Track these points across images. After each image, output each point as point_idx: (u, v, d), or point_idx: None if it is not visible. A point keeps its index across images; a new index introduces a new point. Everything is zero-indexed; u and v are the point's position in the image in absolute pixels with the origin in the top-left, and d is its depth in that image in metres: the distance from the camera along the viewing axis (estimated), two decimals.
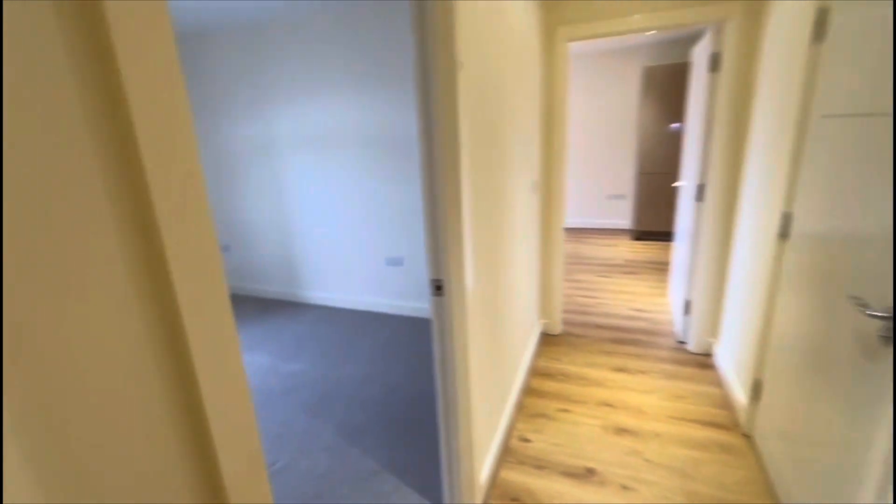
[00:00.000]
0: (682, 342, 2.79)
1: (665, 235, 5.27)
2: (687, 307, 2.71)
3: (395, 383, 2.52)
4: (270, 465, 1.93)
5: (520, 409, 2.23)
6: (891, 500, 0.97)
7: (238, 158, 3.63)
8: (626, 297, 3.58)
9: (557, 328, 3.00)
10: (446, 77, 1.16)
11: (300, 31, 3.06)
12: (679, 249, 3.07)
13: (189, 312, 0.51)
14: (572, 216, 6.19)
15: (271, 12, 2.99)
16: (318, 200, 3.46)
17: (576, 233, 5.91)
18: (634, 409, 2.18)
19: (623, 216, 5.95)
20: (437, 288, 1.31)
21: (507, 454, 1.92)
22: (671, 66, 4.82)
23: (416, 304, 3.38)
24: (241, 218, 3.82)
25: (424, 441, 2.03)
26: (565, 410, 2.20)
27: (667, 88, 4.89)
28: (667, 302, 3.45)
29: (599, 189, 5.97)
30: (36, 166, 0.38)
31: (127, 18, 0.42)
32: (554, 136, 2.67)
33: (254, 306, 3.77)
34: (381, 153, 3.12)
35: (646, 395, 2.28)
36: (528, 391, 2.37)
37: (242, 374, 0.62)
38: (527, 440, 2.00)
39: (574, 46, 5.19)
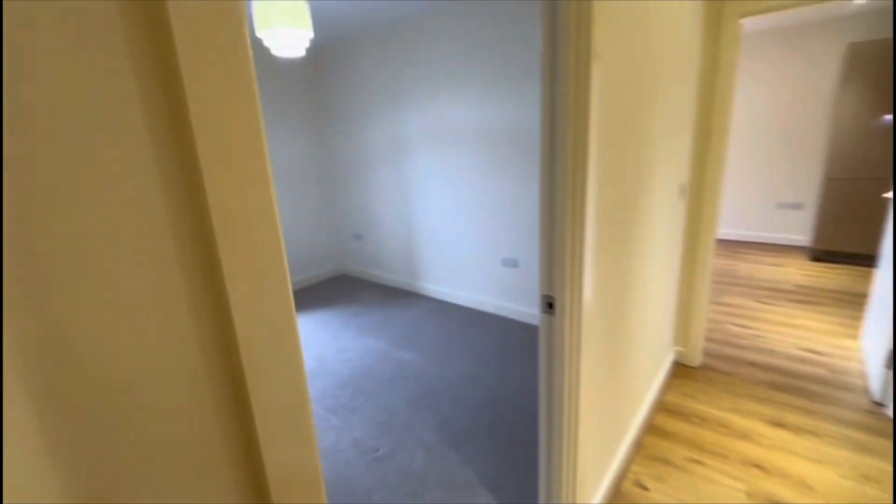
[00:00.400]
0: (879, 404, 2.12)
1: (859, 258, 4.14)
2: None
3: (503, 390, 2.43)
4: (373, 451, 2.01)
5: (638, 448, 1.93)
6: None
7: (373, 155, 3.89)
8: (795, 333, 2.88)
9: (696, 359, 2.55)
10: (577, 68, 1.01)
11: (431, 31, 3.11)
12: (885, 279, 2.34)
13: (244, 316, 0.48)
14: (728, 226, 5.28)
15: (406, 13, 3.10)
16: (439, 196, 3.52)
17: (731, 246, 5.01)
18: (796, 480, 1.72)
19: (798, 230, 4.85)
20: (549, 306, 1.16)
21: (617, 496, 1.68)
22: (885, 42, 3.71)
23: (532, 309, 3.22)
24: (372, 210, 4.10)
25: (527, 461, 1.90)
26: (697, 461, 1.84)
27: (878, 71, 3.79)
28: (858, 347, 2.68)
29: (768, 196, 4.96)
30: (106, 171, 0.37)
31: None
32: (713, 133, 2.24)
33: (377, 292, 4.03)
34: (505, 151, 3.02)
35: (816, 466, 1.78)
36: (650, 429, 2.05)
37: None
38: (644, 487, 1.72)
39: (745, 23, 4.36)
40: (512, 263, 3.21)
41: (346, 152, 4.11)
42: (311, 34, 2.22)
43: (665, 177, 1.85)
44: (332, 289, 4.18)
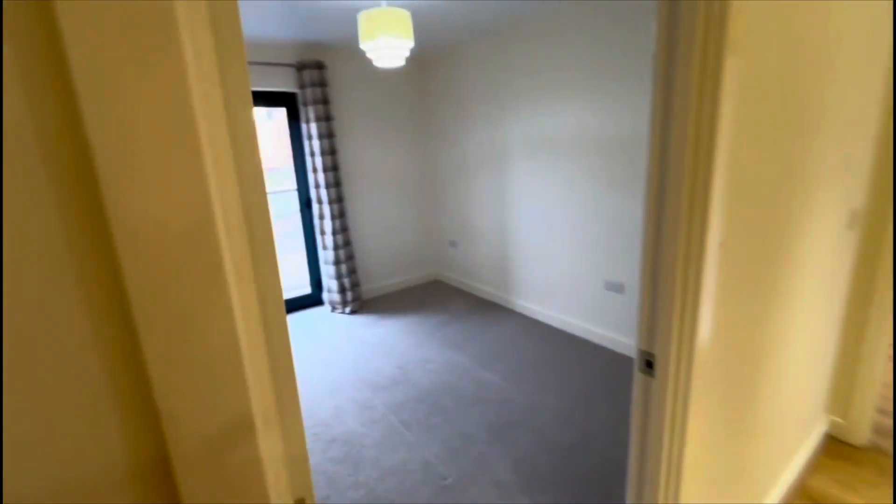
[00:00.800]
0: None
1: None
2: None
3: (595, 435, 2.14)
4: (442, 479, 1.90)
5: None
6: None
7: (472, 162, 3.81)
8: None
9: (860, 435, 1.96)
10: (703, 67, 0.77)
11: (533, 35, 2.91)
12: None
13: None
14: None
15: (509, 17, 2.94)
16: (538, 208, 3.29)
17: None
18: None
19: None
20: (647, 364, 0.92)
21: None
22: None
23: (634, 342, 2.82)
24: (468, 218, 4.03)
25: None
26: None
27: None
28: None
29: None
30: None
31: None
32: None
33: (467, 303, 3.94)
34: (615, 162, 2.69)
35: None
36: None
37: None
38: None
39: None
40: (616, 288, 2.85)
41: (447, 159, 4.11)
42: (411, 43, 2.20)
43: (828, 199, 1.42)
44: (424, 294, 4.21)
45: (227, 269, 0.40)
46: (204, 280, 0.38)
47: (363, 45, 2.16)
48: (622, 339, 2.89)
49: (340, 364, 2.95)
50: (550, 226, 3.23)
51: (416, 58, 3.96)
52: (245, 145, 0.44)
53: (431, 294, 4.21)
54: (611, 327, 2.96)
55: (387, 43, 2.13)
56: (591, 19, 2.62)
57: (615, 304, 2.89)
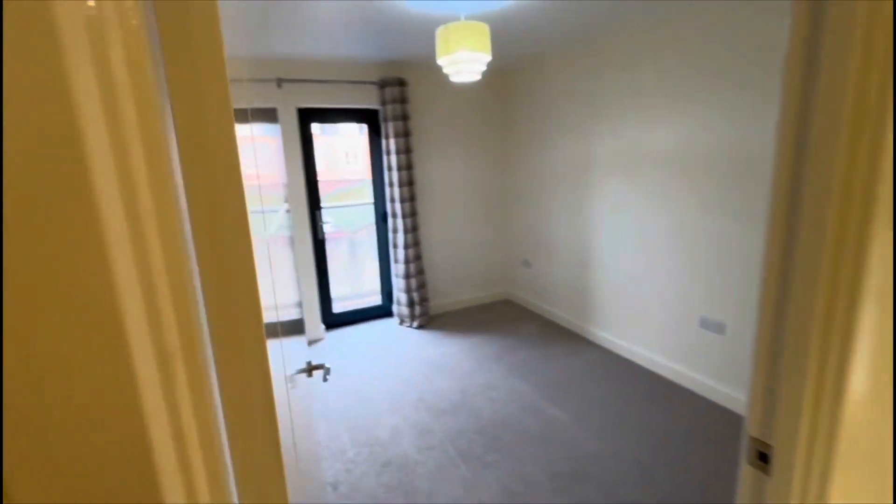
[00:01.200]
0: None
1: None
2: None
3: (677, 496, 1.82)
4: None
5: None
6: None
7: (552, 179, 3.60)
8: None
9: None
10: (865, 62, 0.55)
11: (624, 44, 2.65)
12: None
13: None
14: None
15: (605, 23, 2.72)
16: (624, 229, 2.99)
17: None
18: None
19: None
20: (760, 457, 0.70)
21: None
22: None
23: (736, 392, 2.40)
24: (544, 237, 3.81)
25: None
26: None
27: None
28: None
29: None
30: None
31: None
32: None
33: (539, 327, 3.70)
34: (716, 182, 2.33)
35: None
36: None
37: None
38: None
39: None
40: (715, 327, 2.46)
41: (525, 174, 3.94)
42: (488, 57, 2.11)
43: None
44: (494, 314, 4.04)
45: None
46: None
47: (440, 61, 2.12)
48: (720, 386, 2.48)
49: (403, 381, 2.90)
50: (638, 250, 2.91)
51: (496, 69, 3.88)
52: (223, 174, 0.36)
53: (501, 314, 4.04)
54: (706, 372, 2.56)
55: (464, 57, 2.06)
56: (702, 20, 2.33)
57: (713, 346, 2.50)
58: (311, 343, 3.55)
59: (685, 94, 2.45)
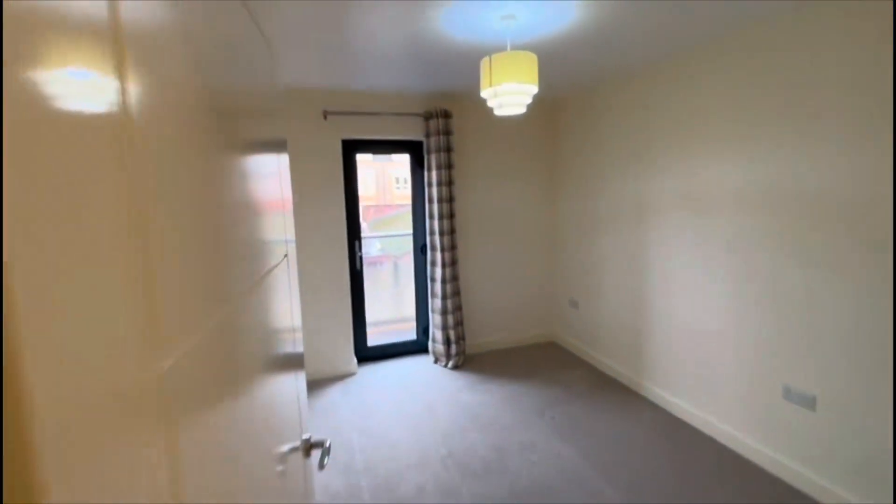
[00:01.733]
0: None
1: None
2: None
3: None
4: None
5: None
6: None
7: (605, 216, 3.33)
8: None
9: None
10: None
11: (687, 72, 2.39)
12: None
13: None
14: None
15: (658, 54, 2.48)
16: (687, 276, 2.65)
17: None
18: None
19: None
20: None
21: None
22: None
23: (823, 479, 1.97)
24: (595, 277, 3.50)
25: None
26: None
27: None
28: None
29: None
30: None
31: None
32: None
33: (587, 377, 3.36)
34: (801, 228, 1.99)
35: None
36: None
37: None
38: None
39: None
40: (804, 401, 2.06)
41: (575, 209, 3.69)
42: (535, 89, 1.95)
43: None
44: (537, 358, 3.74)
45: None
46: None
47: (484, 93, 1.98)
48: (807, 471, 2.05)
49: (432, 429, 2.68)
50: (704, 300, 2.56)
51: (544, 99, 3.72)
52: None
53: (545, 359, 3.73)
54: (790, 452, 2.13)
55: (508, 89, 1.91)
56: (780, 41, 2.05)
57: (800, 422, 2.08)
58: (342, 378, 3.43)
59: (753, 128, 2.14)
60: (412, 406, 2.98)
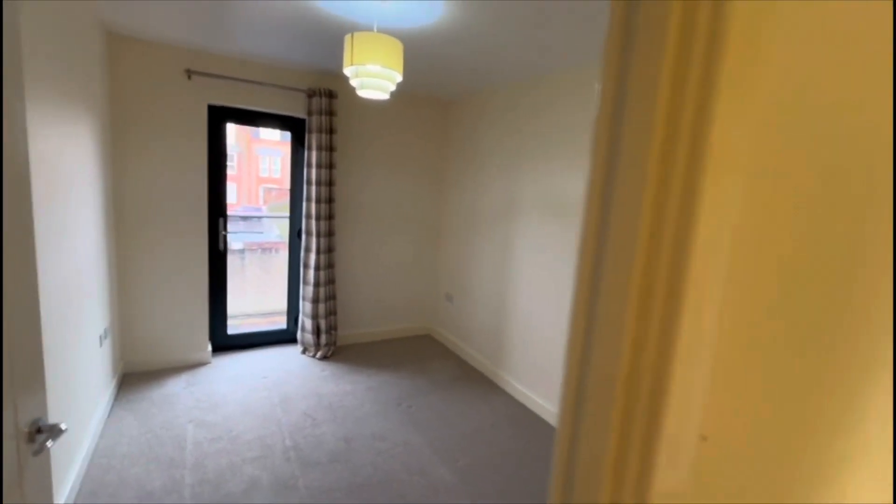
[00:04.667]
0: None
1: None
2: None
3: None
4: None
5: None
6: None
7: (481, 213, 3.47)
8: None
9: None
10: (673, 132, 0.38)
11: (552, 91, 2.61)
12: None
13: None
14: None
15: (532, 72, 2.66)
16: (540, 276, 2.86)
17: None
18: None
19: None
20: None
21: None
22: None
23: None
24: (468, 273, 3.63)
25: None
26: None
27: None
28: None
29: None
30: None
31: None
32: None
33: (452, 369, 3.46)
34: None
35: None
36: None
37: None
38: None
39: None
40: None
41: (458, 206, 3.79)
42: (399, 76, 1.94)
43: None
44: (411, 350, 3.77)
45: None
46: None
47: (346, 70, 1.91)
48: None
49: (282, 421, 2.54)
50: (549, 299, 2.78)
51: (436, 97, 3.77)
52: None
53: (417, 351, 3.77)
54: None
55: (371, 71, 1.87)
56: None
57: None
58: (191, 368, 3.11)
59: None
60: (265, 397, 2.81)
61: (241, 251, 7.23)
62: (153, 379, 2.91)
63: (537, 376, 2.90)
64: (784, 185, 0.45)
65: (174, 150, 2.91)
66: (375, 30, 2.03)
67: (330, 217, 3.37)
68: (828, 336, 0.58)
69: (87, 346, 2.14)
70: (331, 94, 3.23)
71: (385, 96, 2.02)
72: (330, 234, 3.40)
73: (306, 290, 3.42)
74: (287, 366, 3.28)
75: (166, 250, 2.97)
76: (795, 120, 0.43)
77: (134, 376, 2.92)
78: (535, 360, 2.92)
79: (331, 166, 3.31)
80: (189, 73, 2.86)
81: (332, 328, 3.50)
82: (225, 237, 3.28)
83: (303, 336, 3.49)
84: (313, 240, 3.35)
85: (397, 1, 1.90)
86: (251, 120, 3.32)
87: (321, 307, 3.41)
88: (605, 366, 0.49)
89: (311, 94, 3.22)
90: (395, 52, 1.89)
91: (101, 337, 2.39)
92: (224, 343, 3.43)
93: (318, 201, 3.30)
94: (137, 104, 2.77)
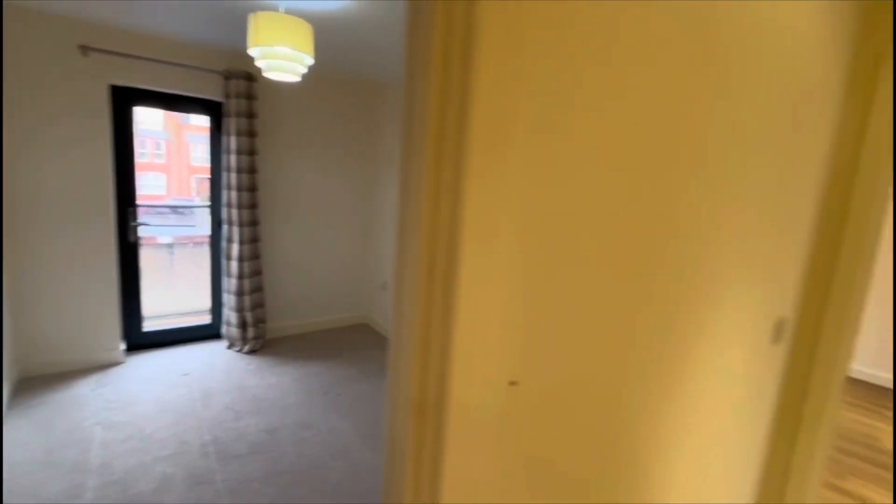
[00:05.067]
0: None
1: None
2: None
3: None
4: None
5: None
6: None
7: None
8: None
9: None
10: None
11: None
12: None
13: None
14: (872, 363, 3.84)
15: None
16: None
17: (874, 395, 3.59)
18: None
19: None
20: None
21: None
22: None
23: None
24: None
25: None
26: None
27: None
28: None
29: None
30: None
31: None
32: (865, 223, 1.38)
33: (386, 357, 3.48)
34: None
35: None
36: None
37: None
38: None
39: None
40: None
41: (389, 194, 3.79)
42: (310, 59, 1.91)
43: (728, 326, 1.10)
44: (345, 340, 3.75)
45: None
46: None
47: (251, 51, 1.85)
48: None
49: (201, 417, 2.46)
50: None
51: (364, 81, 3.72)
52: None
53: (352, 341, 3.76)
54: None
55: (278, 52, 1.83)
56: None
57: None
58: (101, 368, 2.90)
59: None
60: (185, 394, 2.69)
61: (171, 246, 6.78)
62: (58, 382, 2.70)
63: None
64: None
65: (71, 136, 2.68)
66: (282, 10, 1.98)
67: (253, 206, 3.26)
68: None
69: None
70: (249, 77, 3.09)
71: (296, 78, 1.99)
72: (254, 223, 3.28)
73: (230, 283, 3.29)
74: (211, 361, 3.15)
75: (65, 244, 2.74)
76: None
77: (34, 380, 2.69)
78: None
79: (252, 152, 3.19)
80: (84, 50, 2.63)
81: (259, 321, 3.40)
82: (135, 228, 3.07)
83: (228, 330, 3.37)
84: (235, 230, 3.22)
85: None
86: (165, 103, 3.11)
87: (246, 300, 3.30)
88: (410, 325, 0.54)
89: (227, 77, 3.07)
90: (303, 33, 1.86)
91: None
92: (140, 341, 3.22)
93: (239, 189, 3.17)
94: (23, 84, 2.51)
